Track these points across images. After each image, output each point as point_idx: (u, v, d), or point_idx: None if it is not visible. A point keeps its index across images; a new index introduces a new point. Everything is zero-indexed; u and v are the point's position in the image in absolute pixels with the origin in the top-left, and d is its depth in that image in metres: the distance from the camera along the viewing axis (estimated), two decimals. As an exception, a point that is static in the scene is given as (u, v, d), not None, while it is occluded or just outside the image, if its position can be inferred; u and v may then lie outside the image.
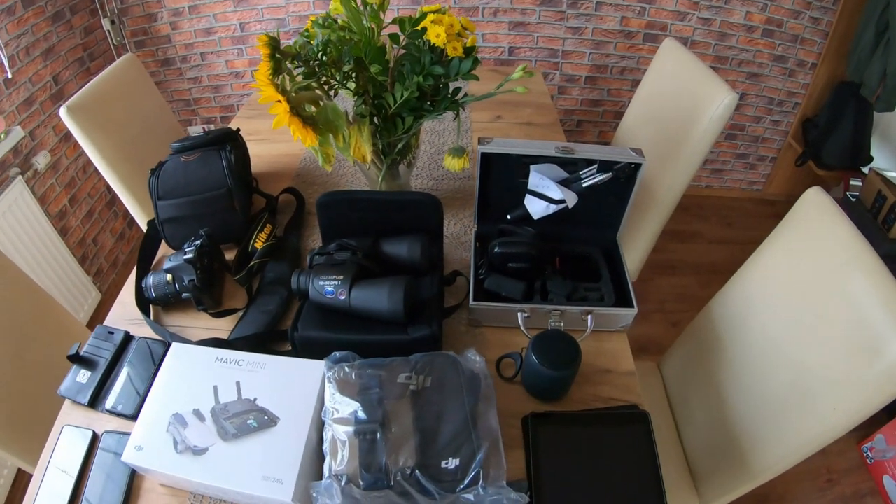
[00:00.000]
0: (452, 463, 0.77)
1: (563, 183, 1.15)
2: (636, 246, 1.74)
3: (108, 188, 2.48)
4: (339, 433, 0.80)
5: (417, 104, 1.08)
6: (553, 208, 1.16)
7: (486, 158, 1.13)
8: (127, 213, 2.58)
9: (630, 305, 1.07)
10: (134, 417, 0.99)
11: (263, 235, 1.24)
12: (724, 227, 2.99)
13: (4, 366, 1.27)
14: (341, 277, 0.97)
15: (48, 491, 0.93)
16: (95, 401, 1.03)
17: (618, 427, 0.95)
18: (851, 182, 2.37)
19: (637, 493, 0.87)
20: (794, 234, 1.12)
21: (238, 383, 0.89)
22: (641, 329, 2.39)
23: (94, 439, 0.99)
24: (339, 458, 0.78)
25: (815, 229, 1.07)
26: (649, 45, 2.56)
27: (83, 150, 1.57)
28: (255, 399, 0.87)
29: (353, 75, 1.07)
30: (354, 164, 1.23)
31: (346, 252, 1.02)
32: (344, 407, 0.82)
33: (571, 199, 1.14)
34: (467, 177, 1.47)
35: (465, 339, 1.10)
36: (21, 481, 1.90)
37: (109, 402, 1.02)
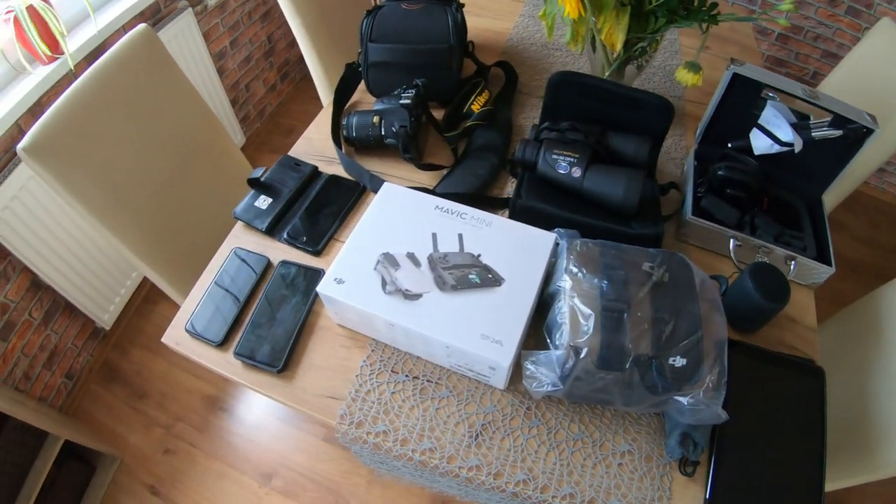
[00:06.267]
0: (679, 362, 0.75)
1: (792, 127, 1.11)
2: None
3: (269, 38, 2.46)
4: (581, 306, 0.77)
5: (675, 6, 1.03)
6: (776, 148, 1.10)
7: (733, 80, 1.08)
8: (282, 65, 2.60)
9: (829, 264, 1.04)
10: (317, 253, 0.98)
11: (481, 100, 1.21)
12: (870, 228, 2.81)
13: (167, 173, 1.28)
14: (577, 156, 0.95)
15: (210, 307, 0.93)
16: (273, 229, 1.02)
17: (794, 375, 0.93)
18: None
19: (799, 441, 0.86)
20: None
21: (461, 236, 0.86)
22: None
23: (268, 267, 0.97)
24: (581, 331, 0.75)
25: None
26: (850, 20, 2.36)
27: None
28: (478, 255, 0.83)
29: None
30: (583, 51, 1.18)
31: (577, 133, 0.99)
32: (587, 281, 0.79)
33: (799, 145, 1.09)
34: (679, 97, 1.41)
35: (672, 254, 1.08)
36: (142, 289, 2.04)
37: (291, 233, 1.01)
